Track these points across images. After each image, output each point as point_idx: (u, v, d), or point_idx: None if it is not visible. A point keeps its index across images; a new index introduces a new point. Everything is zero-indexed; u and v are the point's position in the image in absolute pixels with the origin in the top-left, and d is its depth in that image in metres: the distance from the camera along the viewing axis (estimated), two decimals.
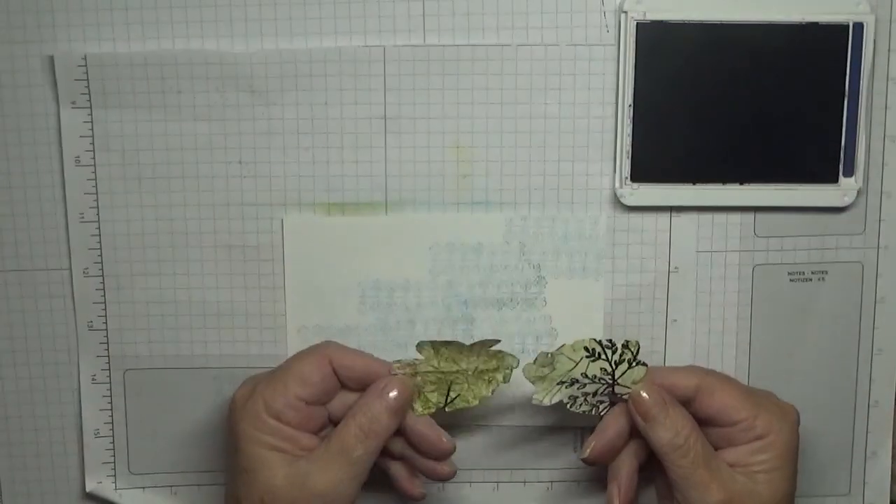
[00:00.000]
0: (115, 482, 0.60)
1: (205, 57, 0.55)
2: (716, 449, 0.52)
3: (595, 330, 0.57)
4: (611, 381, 0.53)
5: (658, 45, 0.54)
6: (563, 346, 0.53)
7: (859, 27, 0.54)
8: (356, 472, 0.51)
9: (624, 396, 0.53)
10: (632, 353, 0.52)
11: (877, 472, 0.60)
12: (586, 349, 0.52)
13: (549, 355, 0.53)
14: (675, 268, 0.57)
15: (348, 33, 0.55)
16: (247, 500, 0.50)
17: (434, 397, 0.53)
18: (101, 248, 0.57)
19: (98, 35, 0.55)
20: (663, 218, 0.57)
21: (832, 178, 0.56)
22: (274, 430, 0.51)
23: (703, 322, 0.58)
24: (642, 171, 0.55)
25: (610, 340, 0.52)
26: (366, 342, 0.58)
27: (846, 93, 0.55)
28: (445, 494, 0.60)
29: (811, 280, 0.58)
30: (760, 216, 0.57)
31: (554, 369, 0.53)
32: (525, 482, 0.60)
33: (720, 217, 0.57)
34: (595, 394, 0.53)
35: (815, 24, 0.54)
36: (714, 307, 0.58)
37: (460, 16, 0.55)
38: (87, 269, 0.57)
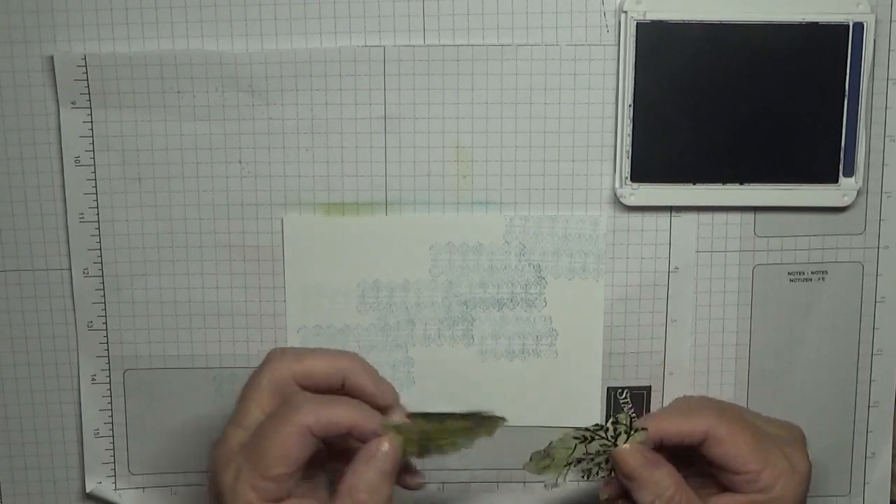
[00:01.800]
0: (114, 482, 0.60)
1: (205, 57, 0.55)
2: (721, 489, 0.51)
3: (595, 330, 0.58)
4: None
5: (658, 45, 0.54)
6: (551, 442, 0.51)
7: (859, 27, 0.54)
8: None
9: None
10: (625, 425, 0.51)
11: (877, 472, 0.60)
12: (577, 438, 0.51)
13: (543, 451, 0.52)
14: (675, 268, 0.57)
15: (348, 33, 0.55)
16: None
17: (411, 446, 0.50)
18: (101, 248, 0.57)
19: (98, 35, 0.55)
20: (663, 218, 0.57)
21: (832, 178, 0.56)
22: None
23: (703, 322, 0.58)
24: (642, 171, 0.55)
25: (598, 425, 0.51)
26: (366, 342, 0.58)
27: (846, 93, 0.55)
28: (445, 495, 0.60)
29: (811, 280, 0.58)
30: (760, 216, 0.57)
31: (553, 459, 0.52)
32: (525, 482, 0.60)
33: (720, 217, 0.57)
34: (607, 460, 0.52)
35: (815, 24, 0.54)
36: (714, 307, 0.58)
37: (460, 16, 0.55)
38: (87, 269, 0.57)
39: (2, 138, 0.56)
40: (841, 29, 0.54)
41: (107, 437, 0.59)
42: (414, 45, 0.55)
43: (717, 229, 0.57)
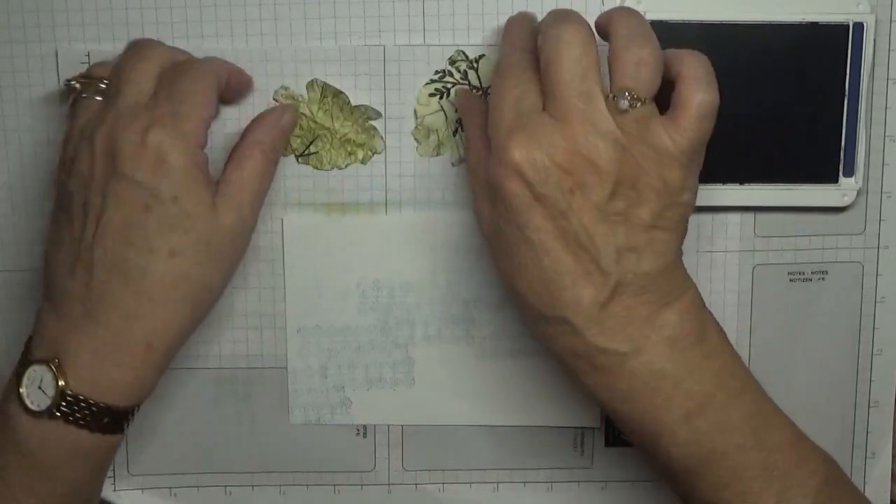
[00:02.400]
0: (113, 483, 0.60)
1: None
2: None
3: None
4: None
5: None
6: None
7: (859, 27, 0.54)
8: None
9: None
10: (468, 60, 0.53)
11: (877, 472, 0.60)
12: (433, 95, 0.54)
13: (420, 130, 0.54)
14: None
15: (348, 33, 0.55)
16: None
17: (295, 143, 0.54)
18: None
19: (98, 35, 0.55)
20: None
21: (832, 178, 0.56)
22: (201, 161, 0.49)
23: None
24: None
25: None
26: (366, 342, 0.58)
27: (846, 93, 0.55)
28: (446, 495, 0.60)
29: (811, 280, 0.58)
30: (760, 216, 0.57)
31: (436, 132, 0.54)
32: (525, 482, 0.60)
33: (720, 217, 0.57)
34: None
35: (815, 24, 0.54)
36: (714, 307, 0.57)
37: (460, 16, 0.55)
38: None
39: (2, 138, 0.56)
40: (841, 29, 0.54)
41: None
42: (414, 45, 0.55)
43: (717, 229, 0.57)
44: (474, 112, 0.52)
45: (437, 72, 0.55)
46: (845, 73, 0.55)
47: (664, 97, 0.47)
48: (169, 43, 0.54)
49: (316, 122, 0.54)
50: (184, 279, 0.48)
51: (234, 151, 0.52)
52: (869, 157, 0.56)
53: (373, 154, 0.56)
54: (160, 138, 0.47)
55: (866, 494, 0.60)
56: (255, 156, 0.52)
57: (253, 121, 0.53)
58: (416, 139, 0.56)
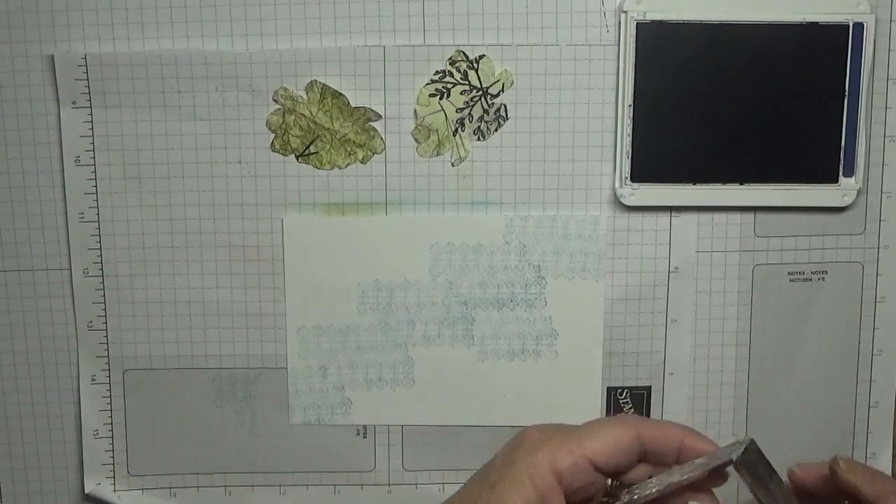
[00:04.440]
0: (113, 483, 0.60)
1: (205, 57, 0.55)
2: None
3: (595, 330, 0.57)
4: None
5: (658, 45, 0.54)
6: None
7: (859, 27, 0.54)
8: None
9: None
10: None
11: None
12: None
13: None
14: (675, 268, 0.57)
15: (348, 33, 0.55)
16: None
17: (295, 143, 0.54)
18: (101, 248, 0.57)
19: (98, 35, 0.55)
20: (663, 218, 0.57)
21: (832, 178, 0.56)
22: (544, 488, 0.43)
23: (703, 322, 0.58)
24: (642, 171, 0.55)
25: None
26: (366, 342, 0.58)
27: (846, 93, 0.55)
28: (446, 495, 0.60)
29: (811, 280, 0.58)
30: (760, 216, 0.57)
31: None
32: None
33: (720, 217, 0.57)
34: None
35: (815, 24, 0.54)
36: (714, 307, 0.58)
37: (460, 16, 0.55)
38: (87, 269, 0.57)
39: (2, 138, 0.56)
40: (841, 29, 0.54)
41: (106, 438, 0.59)
42: (414, 45, 0.55)
43: (717, 229, 0.57)
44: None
45: (437, 72, 0.55)
46: (845, 73, 0.55)
47: None
48: (169, 43, 0.54)
49: (316, 122, 0.54)
50: None
51: None
52: (869, 157, 0.56)
53: (373, 154, 0.56)
54: None
55: None
56: None
57: None
58: (416, 139, 0.56)
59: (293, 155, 0.55)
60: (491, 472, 0.44)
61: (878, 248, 0.58)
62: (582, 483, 0.43)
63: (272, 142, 0.55)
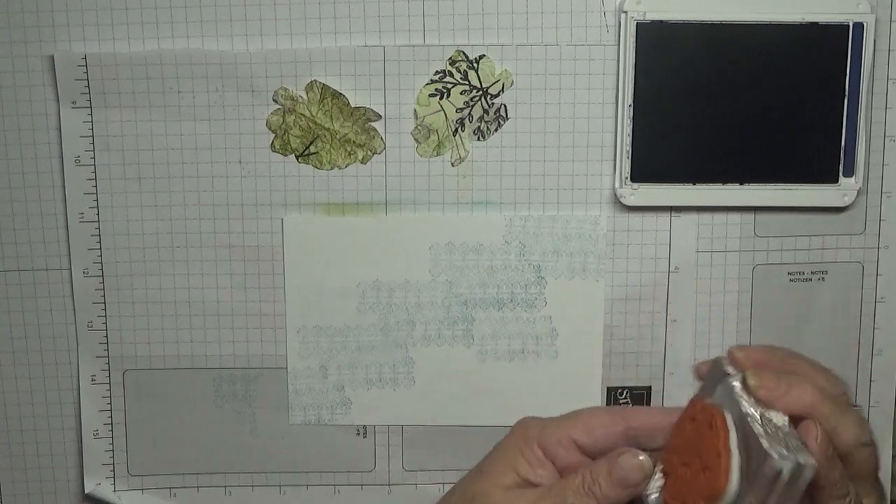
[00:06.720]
0: (113, 483, 0.60)
1: (205, 57, 0.55)
2: None
3: (595, 330, 0.58)
4: None
5: (658, 45, 0.54)
6: None
7: (859, 27, 0.54)
8: None
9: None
10: None
11: None
12: None
13: None
14: (675, 268, 0.57)
15: (348, 33, 0.55)
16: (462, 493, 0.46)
17: (295, 143, 0.54)
18: (101, 248, 0.57)
19: (98, 35, 0.55)
20: (663, 218, 0.57)
21: (832, 178, 0.56)
22: (532, 460, 0.45)
23: (703, 322, 0.58)
24: (642, 171, 0.55)
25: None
26: (366, 342, 0.58)
27: (846, 93, 0.55)
28: None
29: (811, 280, 0.58)
30: (760, 216, 0.57)
31: None
32: None
33: (720, 217, 0.57)
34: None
35: (815, 24, 0.54)
36: (714, 307, 0.58)
37: (460, 16, 0.55)
38: (87, 269, 0.57)
39: (2, 138, 0.56)
40: (841, 29, 0.54)
41: (106, 438, 0.59)
42: (414, 45, 0.55)
43: (717, 229, 0.57)
44: None
45: (437, 72, 0.55)
46: (845, 73, 0.55)
47: None
48: (169, 43, 0.54)
49: (316, 122, 0.54)
50: None
51: None
52: (869, 157, 0.56)
53: (373, 154, 0.56)
54: None
55: None
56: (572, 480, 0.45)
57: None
58: (416, 139, 0.56)
59: (293, 155, 0.55)
60: (483, 460, 0.46)
61: (878, 248, 0.58)
62: (567, 461, 0.45)
63: (272, 142, 0.55)
